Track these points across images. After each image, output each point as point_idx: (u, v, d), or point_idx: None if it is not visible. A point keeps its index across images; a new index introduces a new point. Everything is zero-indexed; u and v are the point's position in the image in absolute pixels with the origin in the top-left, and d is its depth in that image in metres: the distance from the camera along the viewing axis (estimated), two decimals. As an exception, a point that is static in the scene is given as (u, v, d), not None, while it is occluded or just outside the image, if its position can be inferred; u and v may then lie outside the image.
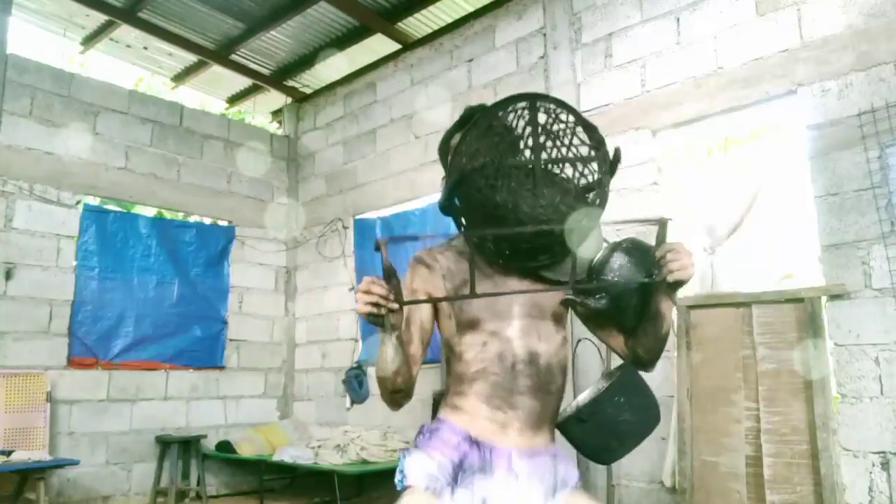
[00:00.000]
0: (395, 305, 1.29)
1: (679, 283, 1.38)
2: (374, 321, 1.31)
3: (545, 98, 1.41)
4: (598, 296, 1.44)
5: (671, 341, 3.70)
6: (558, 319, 1.52)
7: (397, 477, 1.45)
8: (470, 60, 5.23)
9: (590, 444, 1.52)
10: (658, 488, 3.72)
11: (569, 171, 1.41)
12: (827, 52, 3.45)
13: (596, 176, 1.41)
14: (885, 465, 3.06)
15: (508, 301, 1.46)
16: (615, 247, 1.47)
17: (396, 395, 1.44)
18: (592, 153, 1.40)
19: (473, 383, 1.46)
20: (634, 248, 1.46)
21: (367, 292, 1.27)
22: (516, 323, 1.46)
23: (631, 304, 1.44)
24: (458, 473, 1.41)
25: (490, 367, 1.45)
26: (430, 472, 1.41)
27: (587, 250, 1.46)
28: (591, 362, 3.89)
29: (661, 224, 1.38)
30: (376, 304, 1.27)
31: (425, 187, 5.26)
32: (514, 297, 1.46)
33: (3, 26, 5.02)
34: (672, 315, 1.51)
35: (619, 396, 1.48)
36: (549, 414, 1.50)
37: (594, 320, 1.55)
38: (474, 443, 1.44)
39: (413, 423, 5.24)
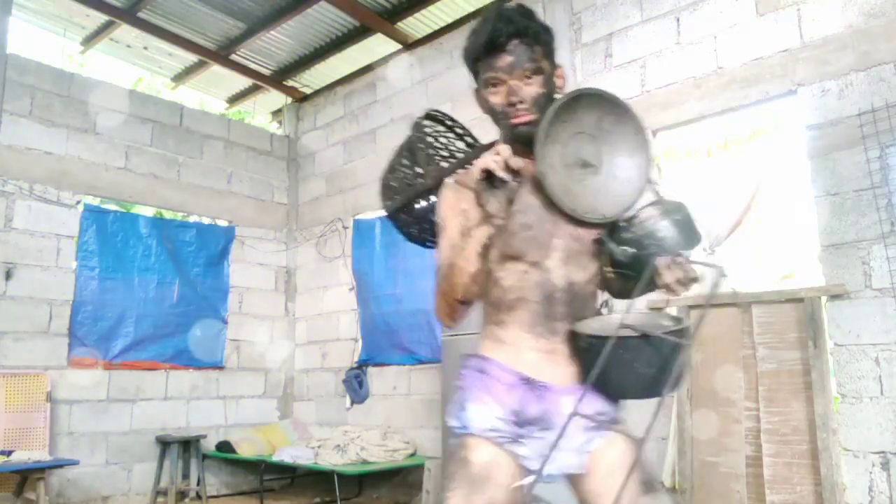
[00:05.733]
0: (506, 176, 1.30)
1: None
2: (484, 186, 1.32)
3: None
4: (624, 248, 1.40)
5: (671, 341, 3.70)
6: (594, 249, 1.51)
7: (454, 424, 1.44)
8: (470, 60, 5.23)
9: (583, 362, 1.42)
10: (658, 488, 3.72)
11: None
12: (827, 52, 3.45)
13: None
14: (885, 465, 3.06)
15: (549, 233, 1.45)
16: (668, 212, 1.41)
17: (463, 303, 1.41)
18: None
19: (512, 311, 1.45)
20: (683, 225, 1.41)
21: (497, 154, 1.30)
22: (556, 254, 1.45)
23: (645, 270, 1.39)
24: (517, 426, 1.39)
25: (528, 294, 1.44)
26: (493, 423, 1.39)
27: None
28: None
29: (718, 273, 1.29)
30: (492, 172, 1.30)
31: (425, 187, 5.26)
32: (554, 228, 1.45)
33: (3, 26, 5.02)
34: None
35: (630, 353, 1.33)
36: None
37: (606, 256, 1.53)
38: (527, 383, 1.42)
39: (413, 423, 5.25)
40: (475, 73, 1.52)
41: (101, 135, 5.47)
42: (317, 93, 6.64)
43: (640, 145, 1.45)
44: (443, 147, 1.99)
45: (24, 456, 4.20)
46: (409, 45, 5.71)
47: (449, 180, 1.57)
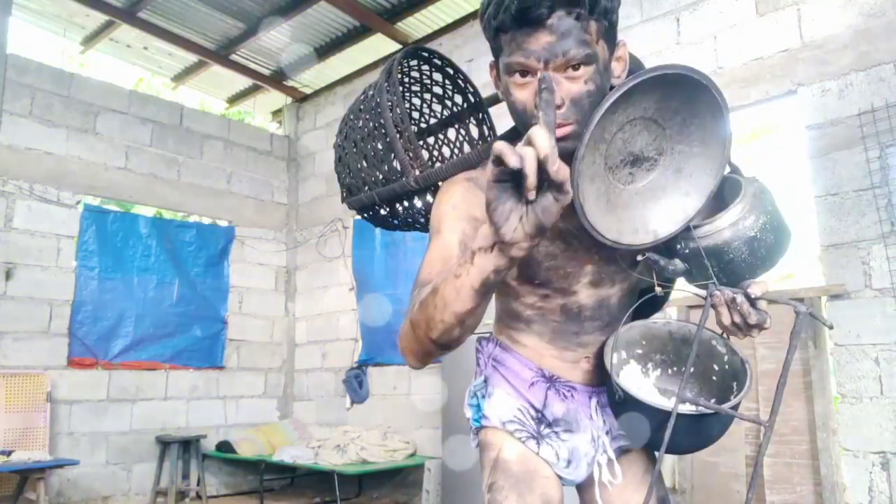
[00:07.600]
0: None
1: None
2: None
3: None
4: (675, 262, 1.15)
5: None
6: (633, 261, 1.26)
7: (471, 414, 1.29)
8: (470, 60, 5.24)
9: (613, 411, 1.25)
10: (658, 488, 3.72)
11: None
12: (827, 52, 3.45)
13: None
14: (885, 465, 3.06)
15: (579, 262, 1.19)
16: (741, 224, 1.12)
17: (440, 346, 0.95)
18: None
19: (532, 324, 1.26)
20: (762, 245, 1.13)
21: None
22: (586, 279, 1.21)
23: (699, 276, 1.15)
24: (541, 424, 1.24)
25: (549, 315, 1.24)
26: (514, 415, 1.24)
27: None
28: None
29: (803, 317, 1.10)
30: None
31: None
32: (587, 255, 1.18)
33: (3, 26, 5.01)
34: None
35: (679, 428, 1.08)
36: None
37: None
38: (550, 380, 1.27)
39: (413, 423, 5.25)
40: (496, 49, 1.07)
41: (101, 135, 5.47)
42: (317, 93, 6.64)
43: (717, 130, 1.05)
44: (434, 106, 1.45)
45: (24, 456, 4.20)
46: (410, 45, 5.71)
47: (460, 176, 1.17)
